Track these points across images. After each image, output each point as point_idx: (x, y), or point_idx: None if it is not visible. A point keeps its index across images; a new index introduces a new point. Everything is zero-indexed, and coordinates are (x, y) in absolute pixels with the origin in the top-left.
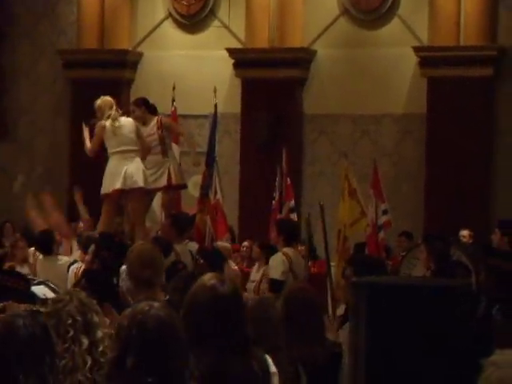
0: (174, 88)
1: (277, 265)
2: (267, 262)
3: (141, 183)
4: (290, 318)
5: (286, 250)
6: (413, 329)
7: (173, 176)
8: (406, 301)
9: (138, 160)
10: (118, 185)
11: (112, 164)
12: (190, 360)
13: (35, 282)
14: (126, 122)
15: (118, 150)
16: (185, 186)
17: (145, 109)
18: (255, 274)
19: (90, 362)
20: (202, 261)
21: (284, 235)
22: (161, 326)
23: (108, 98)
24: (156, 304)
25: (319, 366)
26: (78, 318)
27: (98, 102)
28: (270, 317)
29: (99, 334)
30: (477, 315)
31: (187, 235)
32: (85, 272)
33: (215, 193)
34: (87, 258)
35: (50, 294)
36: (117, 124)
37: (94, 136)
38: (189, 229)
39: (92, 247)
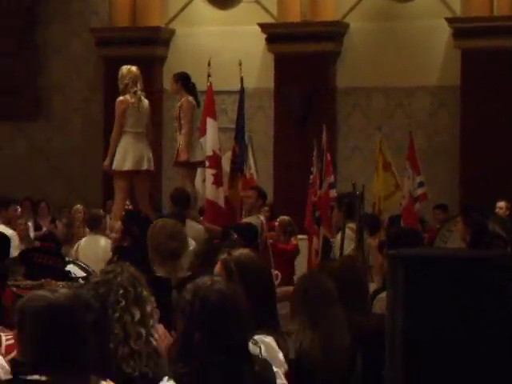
0: (209, 64)
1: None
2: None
3: (152, 166)
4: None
5: (351, 225)
6: (450, 300)
7: (180, 153)
8: (443, 272)
9: (147, 143)
10: (130, 165)
11: (128, 142)
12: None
13: (65, 261)
14: (146, 104)
15: (135, 130)
16: (193, 164)
17: (181, 84)
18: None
19: (144, 334)
20: (235, 236)
21: (344, 210)
22: (223, 299)
23: (135, 71)
24: (217, 278)
25: (365, 335)
26: (130, 289)
27: (124, 70)
28: (319, 291)
29: (149, 308)
30: None
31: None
32: (115, 249)
33: (249, 168)
34: (115, 235)
35: (80, 273)
36: (141, 105)
37: (118, 114)
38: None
39: (119, 224)
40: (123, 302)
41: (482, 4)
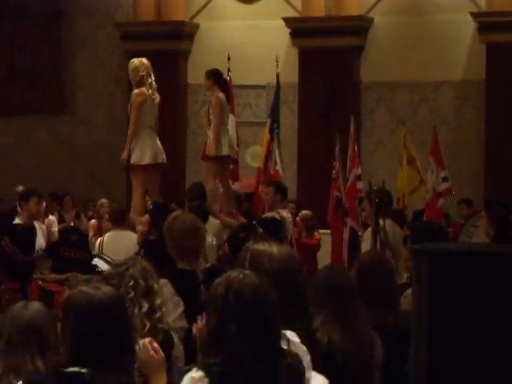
0: (228, 59)
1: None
2: None
3: (165, 158)
4: (362, 286)
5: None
6: (475, 295)
7: (207, 148)
8: (468, 267)
9: (157, 136)
10: (149, 159)
11: (145, 136)
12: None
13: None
14: (158, 96)
15: (150, 124)
16: (222, 158)
17: (213, 81)
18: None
19: (148, 326)
20: (261, 230)
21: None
22: (257, 292)
23: (147, 63)
24: (248, 272)
25: (390, 331)
26: (141, 282)
27: (137, 62)
28: (343, 285)
29: (158, 301)
30: None
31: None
32: (142, 243)
33: (275, 163)
34: (142, 228)
35: (105, 267)
36: (156, 97)
37: (136, 106)
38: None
39: (146, 217)
40: (132, 293)
41: None
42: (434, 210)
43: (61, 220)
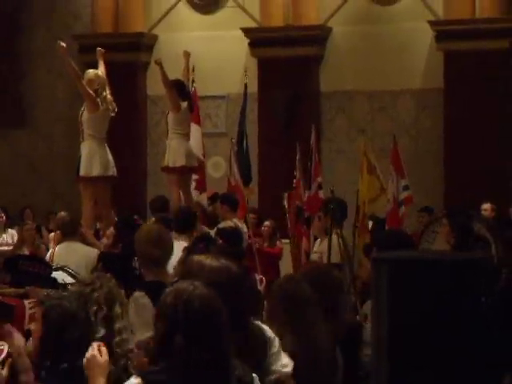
0: (193, 70)
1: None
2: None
3: (115, 171)
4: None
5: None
6: (434, 303)
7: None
8: (427, 275)
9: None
10: (98, 171)
11: (94, 148)
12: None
13: (54, 267)
14: (114, 107)
15: (101, 136)
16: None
17: (175, 91)
18: (318, 246)
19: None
20: (220, 240)
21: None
22: (206, 304)
23: (102, 76)
24: (198, 283)
25: (339, 342)
26: (103, 308)
27: (92, 75)
28: (298, 294)
29: (118, 325)
30: (498, 288)
31: None
32: (101, 256)
33: (234, 175)
34: (107, 241)
35: (69, 280)
36: (110, 111)
37: (89, 93)
38: None
39: (111, 230)
40: (93, 318)
41: (464, 6)
42: (396, 218)
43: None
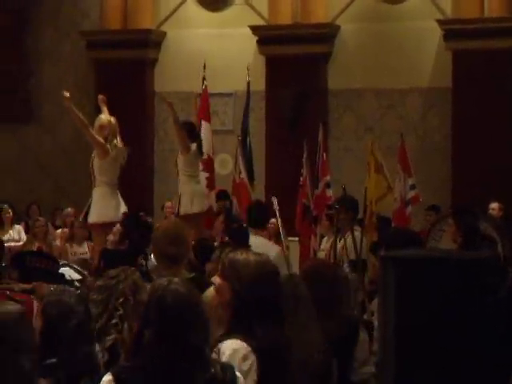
0: (204, 67)
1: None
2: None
3: None
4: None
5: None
6: (441, 302)
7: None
8: (435, 273)
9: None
10: (110, 219)
11: (106, 193)
12: (210, 337)
13: (61, 263)
14: (124, 152)
15: (113, 182)
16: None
17: (185, 133)
18: (325, 244)
19: None
20: (227, 238)
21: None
22: (179, 300)
23: (114, 123)
24: (175, 279)
25: (333, 341)
26: (130, 298)
27: (103, 120)
28: (299, 294)
29: None
30: (504, 287)
31: None
32: (102, 252)
33: (239, 172)
34: (113, 238)
35: (76, 276)
36: (119, 158)
37: (97, 140)
38: None
39: (117, 227)
40: (121, 310)
41: (473, 5)
42: (402, 217)
43: (27, 229)
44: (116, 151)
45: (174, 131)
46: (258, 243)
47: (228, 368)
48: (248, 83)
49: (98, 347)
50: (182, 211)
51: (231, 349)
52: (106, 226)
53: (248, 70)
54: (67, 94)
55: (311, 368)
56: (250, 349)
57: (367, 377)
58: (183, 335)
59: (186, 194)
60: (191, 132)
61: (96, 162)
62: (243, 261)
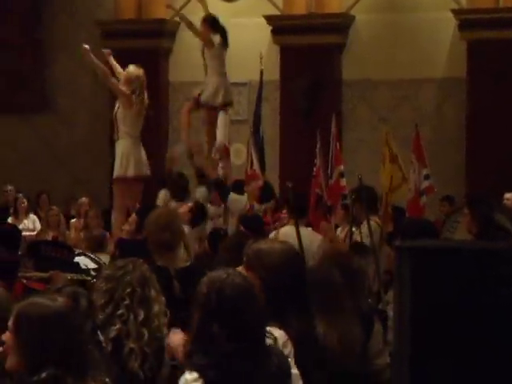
0: None
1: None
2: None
3: (149, 171)
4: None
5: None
6: (457, 292)
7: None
8: (451, 264)
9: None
10: (133, 172)
11: (128, 147)
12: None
13: (76, 252)
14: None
15: (136, 135)
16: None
17: (208, 26)
18: (339, 234)
19: (146, 335)
20: (242, 227)
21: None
22: (238, 291)
23: (143, 76)
24: (232, 271)
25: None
26: (138, 289)
27: (133, 74)
28: (329, 281)
29: (155, 309)
30: None
31: None
32: (118, 242)
33: (251, 163)
34: (129, 227)
35: (91, 265)
36: (143, 112)
37: (121, 90)
38: None
39: (133, 216)
40: (128, 301)
41: None
42: (417, 207)
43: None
44: (141, 105)
45: (194, 34)
46: (302, 233)
47: (283, 354)
48: (261, 72)
49: (101, 337)
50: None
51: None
52: (128, 182)
53: (261, 58)
54: (86, 46)
55: (352, 353)
56: (287, 337)
57: (382, 368)
58: (247, 327)
59: (210, 83)
60: (213, 24)
61: (120, 113)
62: (267, 249)
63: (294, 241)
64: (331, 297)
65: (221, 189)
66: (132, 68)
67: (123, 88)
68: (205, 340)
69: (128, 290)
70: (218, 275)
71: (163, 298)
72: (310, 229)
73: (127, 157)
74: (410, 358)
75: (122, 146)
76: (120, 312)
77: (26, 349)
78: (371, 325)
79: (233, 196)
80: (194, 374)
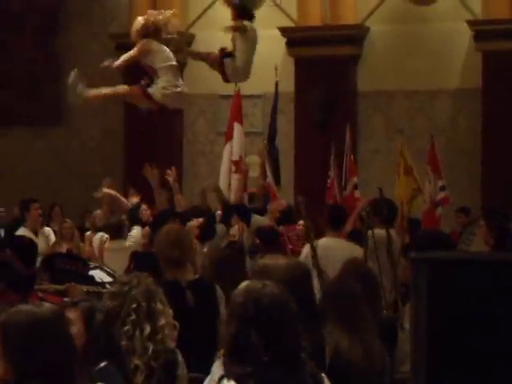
0: None
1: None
2: None
3: None
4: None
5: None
6: (474, 304)
7: None
8: (467, 276)
9: None
10: None
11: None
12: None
13: (91, 266)
14: None
15: None
16: None
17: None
18: None
19: (150, 349)
20: (257, 240)
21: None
22: (275, 301)
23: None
24: (268, 282)
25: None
26: (143, 304)
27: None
28: (351, 292)
29: (161, 321)
30: None
31: None
32: (132, 256)
33: (265, 176)
34: (143, 240)
35: (107, 278)
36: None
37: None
38: None
39: (146, 229)
40: (134, 316)
41: (503, 6)
42: (433, 219)
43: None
44: None
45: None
46: (339, 245)
47: (314, 365)
48: (276, 83)
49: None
50: None
51: None
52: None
53: (276, 69)
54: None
55: (371, 363)
56: None
57: (407, 376)
58: (284, 336)
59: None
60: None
61: None
62: (273, 265)
63: (333, 252)
64: (353, 309)
65: (242, 213)
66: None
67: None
68: (242, 349)
69: (134, 305)
70: (253, 285)
71: (170, 311)
72: (341, 240)
73: None
74: (426, 369)
75: None
76: (126, 328)
77: (13, 356)
78: (395, 332)
79: (255, 219)
80: (232, 383)
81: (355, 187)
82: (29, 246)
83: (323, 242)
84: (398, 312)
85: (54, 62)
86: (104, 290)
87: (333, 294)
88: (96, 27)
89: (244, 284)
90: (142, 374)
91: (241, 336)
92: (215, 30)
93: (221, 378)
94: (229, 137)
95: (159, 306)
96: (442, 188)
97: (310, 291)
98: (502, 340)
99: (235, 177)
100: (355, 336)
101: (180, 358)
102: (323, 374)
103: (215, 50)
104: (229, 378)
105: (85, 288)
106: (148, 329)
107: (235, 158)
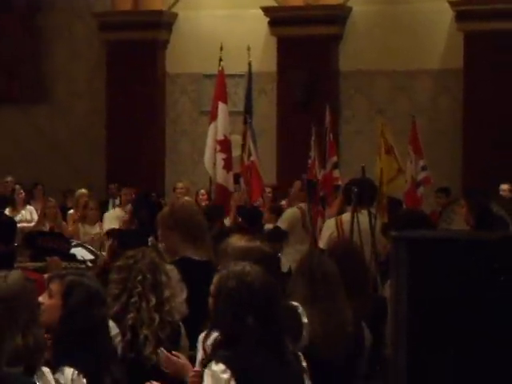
0: (221, 48)
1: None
2: None
3: None
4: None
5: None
6: (453, 282)
7: None
8: (447, 254)
9: None
10: None
11: None
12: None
13: (73, 243)
14: None
15: None
16: None
17: None
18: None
19: (157, 320)
20: (240, 219)
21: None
22: (267, 285)
23: None
24: (254, 266)
25: (364, 319)
26: (148, 276)
27: None
28: (321, 269)
29: (166, 293)
30: None
31: None
32: (115, 233)
33: (249, 154)
34: (125, 217)
35: (89, 256)
36: None
37: None
38: None
39: (129, 207)
40: (140, 288)
41: None
42: (414, 199)
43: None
44: None
45: None
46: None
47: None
48: (249, 63)
49: (116, 329)
50: None
51: None
52: None
53: (249, 50)
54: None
55: (340, 341)
56: None
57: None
58: (277, 317)
59: None
60: None
61: None
62: (232, 245)
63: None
64: (322, 284)
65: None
66: None
67: None
68: (238, 333)
69: (139, 277)
70: (240, 269)
71: (182, 285)
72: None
73: None
74: (407, 348)
75: None
76: (134, 300)
77: None
78: (385, 311)
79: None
80: (221, 366)
81: (334, 166)
82: (7, 223)
83: (347, 217)
84: (377, 290)
85: (38, 41)
86: (82, 266)
87: (303, 270)
88: (79, 6)
89: (230, 268)
90: (150, 345)
91: (237, 321)
92: (197, 10)
93: (208, 361)
94: (213, 116)
95: (164, 278)
96: (424, 168)
97: (278, 270)
98: (481, 318)
99: (220, 156)
100: (323, 312)
101: (183, 330)
102: (299, 353)
103: (198, 29)
104: (217, 362)
105: (65, 264)
106: (153, 300)
107: (220, 137)
